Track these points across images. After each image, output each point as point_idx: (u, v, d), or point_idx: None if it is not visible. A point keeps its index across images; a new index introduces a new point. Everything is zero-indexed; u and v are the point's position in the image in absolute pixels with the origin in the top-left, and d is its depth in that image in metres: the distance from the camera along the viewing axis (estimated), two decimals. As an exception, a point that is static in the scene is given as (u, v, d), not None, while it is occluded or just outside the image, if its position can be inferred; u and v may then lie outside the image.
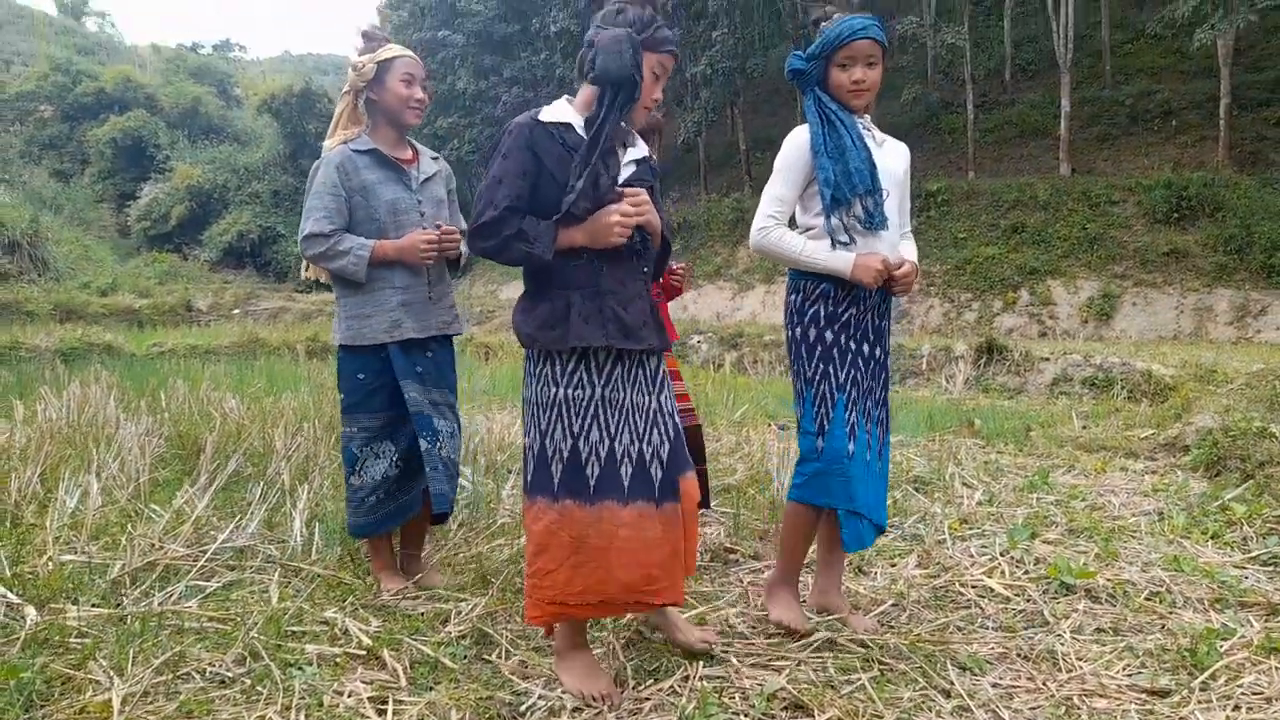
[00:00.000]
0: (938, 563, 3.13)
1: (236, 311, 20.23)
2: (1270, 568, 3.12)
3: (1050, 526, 3.66)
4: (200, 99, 46.29)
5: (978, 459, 5.21)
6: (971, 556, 3.19)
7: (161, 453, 4.26)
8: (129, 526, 3.14)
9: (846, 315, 2.50)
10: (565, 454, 2.05)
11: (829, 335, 2.47)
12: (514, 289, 32.20)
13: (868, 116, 2.63)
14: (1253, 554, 3.24)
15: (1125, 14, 25.68)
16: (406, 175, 2.80)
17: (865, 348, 2.54)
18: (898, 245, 2.55)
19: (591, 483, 2.04)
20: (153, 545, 2.90)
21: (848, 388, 2.47)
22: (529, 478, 2.10)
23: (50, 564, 2.75)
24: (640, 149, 2.22)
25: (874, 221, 2.44)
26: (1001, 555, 3.17)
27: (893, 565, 3.14)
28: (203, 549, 2.96)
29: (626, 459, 2.07)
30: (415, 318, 2.75)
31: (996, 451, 5.60)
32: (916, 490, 4.38)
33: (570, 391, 2.07)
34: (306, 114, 40.09)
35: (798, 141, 2.51)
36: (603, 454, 2.06)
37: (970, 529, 3.57)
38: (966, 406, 7.96)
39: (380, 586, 2.78)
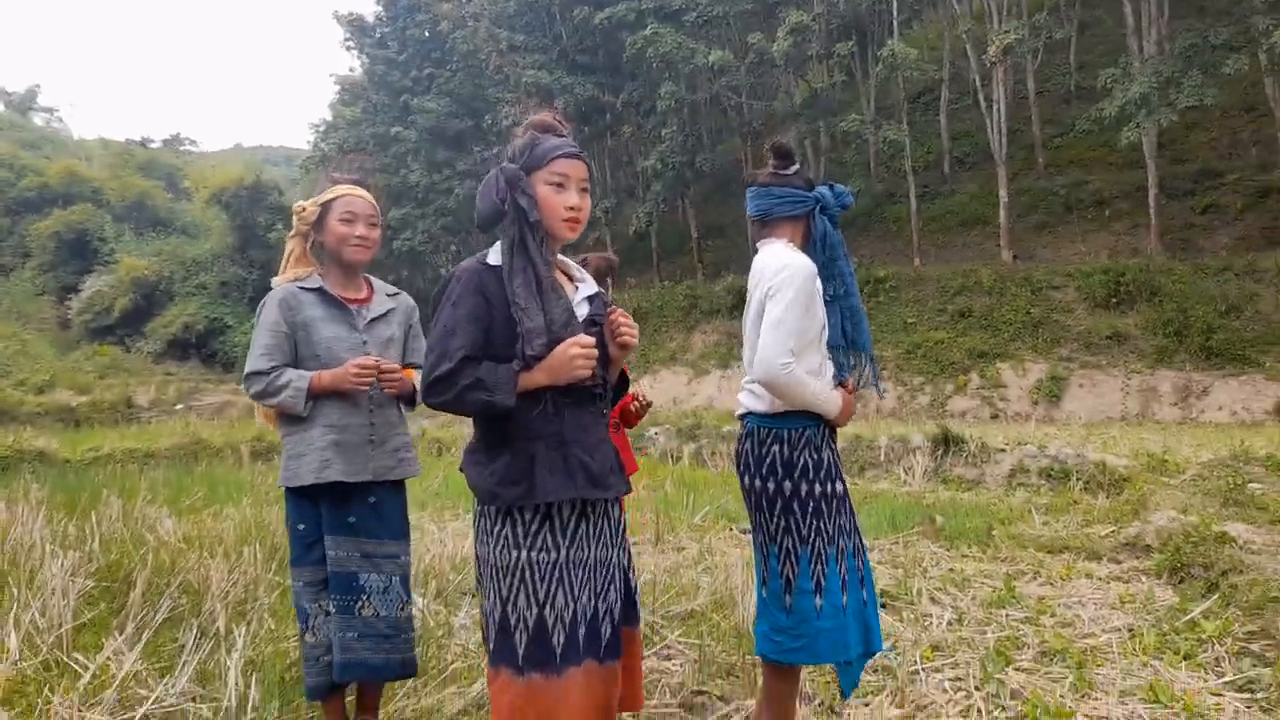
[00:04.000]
0: (913, 701, 3.00)
1: (179, 407, 19.70)
2: (1246, 694, 3.05)
3: (1022, 649, 3.57)
4: (148, 192, 46.13)
5: (943, 567, 5.13)
6: (946, 692, 3.07)
7: (90, 589, 3.98)
8: (46, 690, 2.88)
9: (827, 459, 2.43)
10: (530, 624, 1.93)
11: (819, 487, 2.39)
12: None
13: None
14: (1227, 678, 3.18)
15: (1055, 110, 26.97)
16: (351, 314, 2.71)
17: (840, 486, 2.48)
18: None
19: (557, 652, 1.93)
20: (73, 714, 2.65)
21: (837, 538, 2.39)
22: (491, 645, 1.96)
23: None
24: (591, 285, 2.16)
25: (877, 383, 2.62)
26: (976, 690, 3.06)
27: (866, 705, 3.00)
28: (127, 717, 2.71)
29: (583, 618, 1.97)
30: (347, 460, 2.60)
31: (961, 555, 5.53)
32: (884, 607, 4.27)
33: (534, 554, 1.94)
34: (256, 205, 40.06)
35: (810, 273, 2.43)
36: (566, 619, 1.94)
37: (942, 656, 3.45)
38: (927, 500, 7.92)
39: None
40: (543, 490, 1.93)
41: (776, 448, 2.40)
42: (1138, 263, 19.60)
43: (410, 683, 3.18)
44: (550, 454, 1.96)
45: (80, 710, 2.69)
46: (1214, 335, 17.28)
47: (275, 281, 2.69)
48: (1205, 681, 3.19)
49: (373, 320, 2.75)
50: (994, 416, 18.48)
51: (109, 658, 3.05)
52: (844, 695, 2.50)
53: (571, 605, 1.94)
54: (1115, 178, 23.62)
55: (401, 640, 2.67)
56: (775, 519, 2.41)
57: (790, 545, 2.37)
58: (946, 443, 9.44)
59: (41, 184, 44.44)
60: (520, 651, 1.92)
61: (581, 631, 1.95)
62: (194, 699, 2.90)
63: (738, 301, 24.58)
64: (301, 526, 2.63)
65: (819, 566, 2.36)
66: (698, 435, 12.04)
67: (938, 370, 20.11)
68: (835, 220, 2.54)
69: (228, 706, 2.82)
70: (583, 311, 2.07)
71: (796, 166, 2.58)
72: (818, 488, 2.39)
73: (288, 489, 2.64)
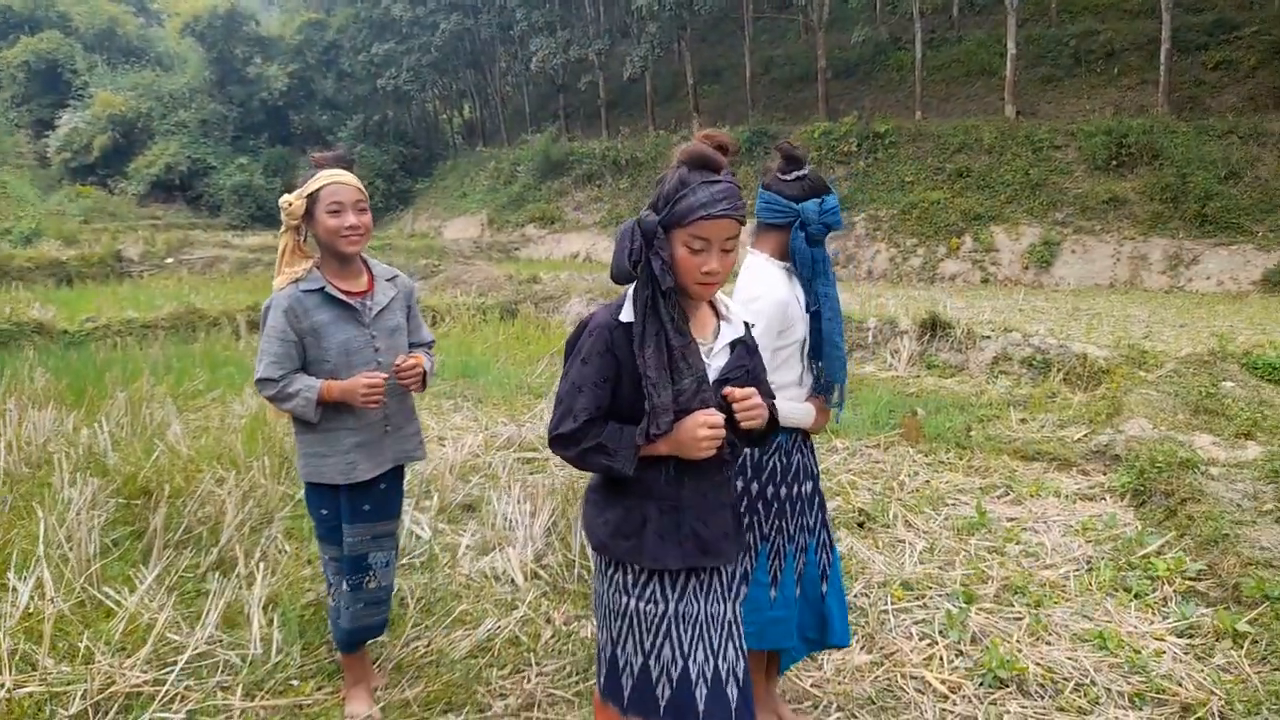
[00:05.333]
0: (880, 648, 3.28)
1: (169, 260, 19.57)
2: (1186, 640, 3.35)
3: (987, 583, 3.85)
4: (117, 18, 43.84)
5: (919, 479, 5.39)
6: (911, 639, 3.36)
7: (110, 517, 4.20)
8: (88, 633, 3.13)
9: (796, 463, 2.57)
10: (636, 670, 1.96)
11: (784, 489, 2.54)
12: (459, 226, 31.71)
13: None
14: (1171, 623, 3.47)
15: (1073, -51, 25.52)
16: (358, 312, 2.73)
17: (810, 485, 2.63)
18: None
19: (662, 703, 1.94)
20: (115, 670, 2.90)
21: (798, 536, 2.57)
22: (602, 678, 2.04)
23: (8, 697, 2.75)
24: (736, 327, 1.98)
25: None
26: (941, 636, 3.34)
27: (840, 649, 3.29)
28: (163, 668, 2.97)
29: (701, 680, 1.94)
30: (370, 457, 2.74)
31: (939, 463, 5.79)
32: (861, 526, 4.55)
33: (642, 605, 1.94)
34: (232, 36, 38.32)
35: (779, 301, 2.46)
36: (675, 675, 1.93)
37: (911, 596, 3.74)
38: (911, 389, 8.17)
39: (346, 709, 2.83)
40: (650, 555, 1.91)
41: (746, 451, 2.51)
42: (1141, 123, 19.18)
43: (419, 623, 3.45)
44: (663, 519, 1.92)
45: (119, 664, 2.93)
46: (1210, 202, 17.19)
47: (275, 284, 2.69)
48: (1151, 624, 3.48)
49: (379, 313, 2.77)
50: (984, 281, 18.60)
51: (138, 605, 3.28)
52: (780, 671, 2.78)
53: (680, 662, 1.93)
54: (1128, 27, 22.71)
55: (390, 599, 2.96)
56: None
57: (751, 540, 2.54)
58: (933, 327, 9.59)
59: (4, 6, 42.08)
60: (626, 694, 1.96)
61: (701, 693, 1.93)
62: (220, 644, 3.16)
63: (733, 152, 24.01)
64: (324, 512, 2.78)
65: (776, 562, 2.55)
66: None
67: (931, 232, 20.03)
68: (815, 239, 2.49)
69: (253, 656, 3.08)
70: (719, 364, 1.93)
71: (802, 173, 2.51)
72: (784, 490, 2.54)
73: (308, 481, 2.78)
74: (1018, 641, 3.33)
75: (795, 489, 2.57)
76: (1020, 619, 3.52)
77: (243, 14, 39.82)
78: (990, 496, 5.11)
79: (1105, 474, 5.44)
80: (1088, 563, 4.08)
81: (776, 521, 2.54)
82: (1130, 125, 19.19)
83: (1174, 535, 4.22)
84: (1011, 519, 4.72)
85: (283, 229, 2.71)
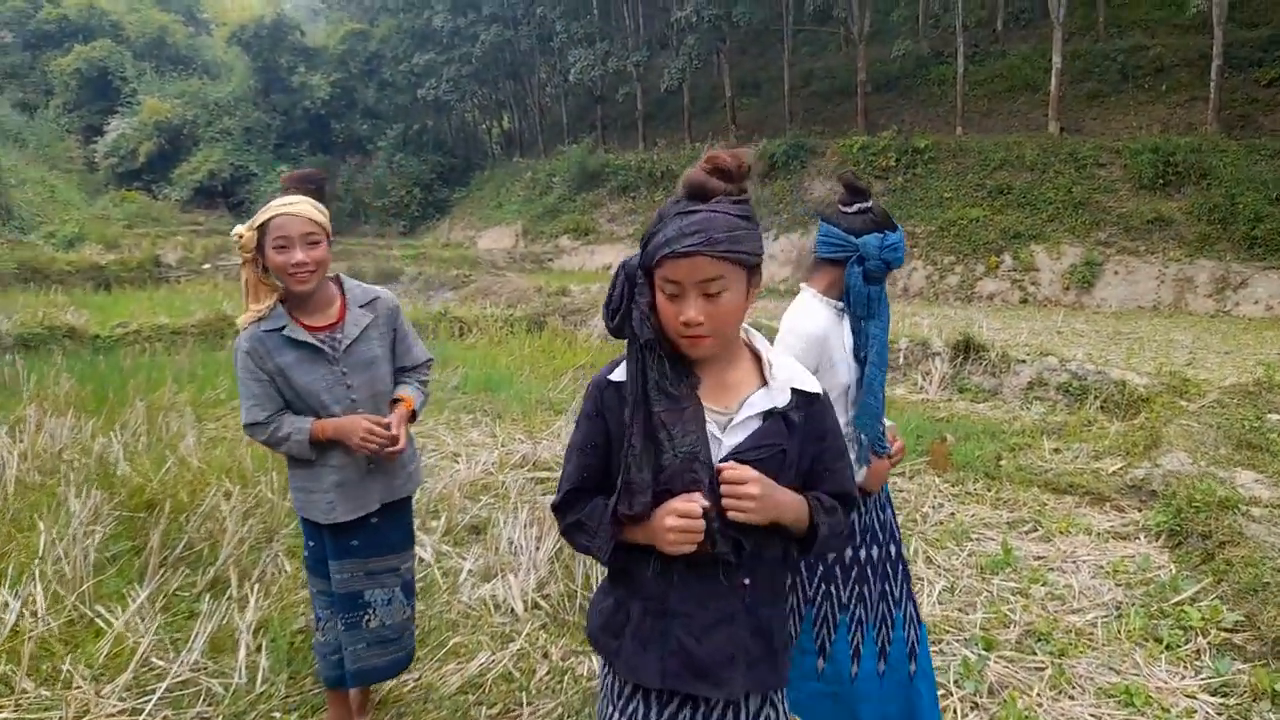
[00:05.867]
0: (891, 698, 3.11)
1: (206, 266, 19.86)
2: (1220, 698, 3.13)
3: (1009, 628, 3.66)
4: (167, 27, 44.81)
5: (944, 511, 5.19)
6: (925, 688, 3.18)
7: (111, 531, 4.15)
8: (69, 659, 3.06)
9: (870, 522, 2.38)
10: None
11: (862, 552, 2.36)
12: (494, 236, 31.85)
13: None
14: (1204, 677, 3.25)
15: (1122, -38, 25.04)
16: (324, 350, 2.53)
17: (874, 551, 2.41)
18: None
19: None
20: (90, 697, 2.83)
21: (851, 606, 2.35)
22: None
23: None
24: (780, 393, 1.59)
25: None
26: (956, 687, 3.16)
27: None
28: (142, 696, 2.89)
29: None
30: (351, 498, 2.58)
31: (965, 494, 5.58)
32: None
33: (622, 719, 1.66)
34: (278, 46, 39.01)
35: (816, 339, 2.27)
36: None
37: (930, 640, 3.55)
38: (941, 414, 7.94)
39: (325, 747, 2.73)
40: (626, 663, 1.61)
41: None
42: (1189, 141, 18.67)
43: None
44: (646, 621, 1.60)
45: (97, 690, 2.86)
46: (1260, 224, 16.65)
47: (240, 322, 2.53)
48: (1182, 680, 3.26)
49: (350, 345, 2.57)
50: (1023, 301, 18.20)
51: (125, 626, 3.21)
52: None
53: None
54: (1179, 42, 22.17)
55: (406, 638, 2.78)
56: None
57: (794, 602, 2.34)
58: (967, 349, 9.34)
59: (60, 15, 43.17)
60: None
61: None
62: (204, 671, 3.07)
63: (769, 167, 23.89)
64: (312, 544, 2.69)
65: (824, 629, 2.33)
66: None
67: (969, 250, 19.67)
68: (874, 276, 2.29)
69: (237, 685, 2.99)
70: (735, 439, 1.56)
71: (864, 205, 2.32)
72: (862, 552, 2.35)
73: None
74: (1038, 695, 3.14)
75: (870, 551, 2.36)
76: (1043, 669, 3.32)
77: (289, 24, 40.49)
78: (1018, 532, 4.90)
79: (1140, 511, 5.20)
80: (1117, 608, 3.86)
81: (823, 586, 2.33)
82: (1178, 143, 18.69)
83: (1210, 581, 3.99)
84: (1039, 558, 4.51)
85: (240, 262, 2.50)
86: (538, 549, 4.12)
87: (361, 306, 2.63)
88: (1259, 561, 4.00)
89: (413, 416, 2.69)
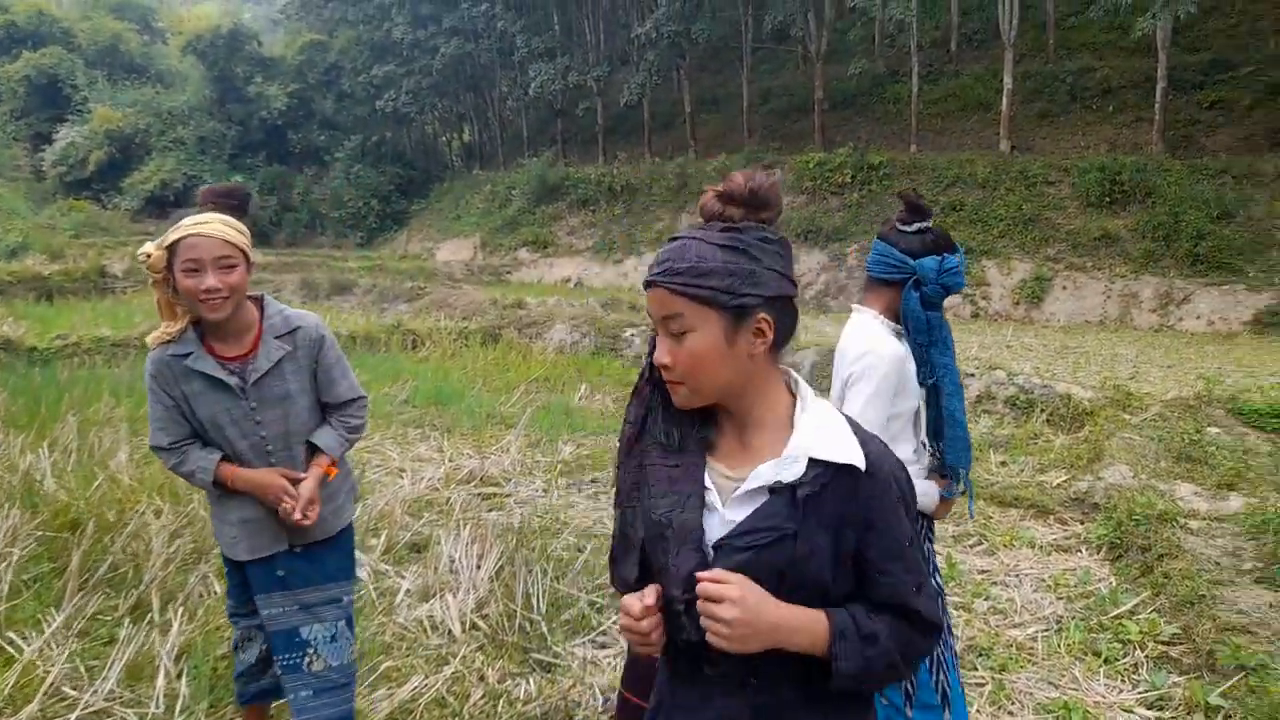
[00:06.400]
0: None
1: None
2: (1155, 712, 3.14)
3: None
4: (121, 36, 44.08)
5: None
6: (864, 706, 3.15)
7: (30, 553, 3.98)
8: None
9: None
10: None
11: None
12: (452, 248, 31.60)
13: None
14: (1140, 692, 3.26)
15: (1071, -14, 25.65)
16: (231, 384, 2.31)
17: (938, 581, 2.35)
18: None
19: None
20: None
21: (950, 640, 2.26)
22: None
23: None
24: (789, 465, 1.26)
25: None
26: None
27: None
28: (50, 726, 2.76)
29: None
30: (255, 535, 2.37)
31: (911, 508, 5.59)
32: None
33: None
34: (234, 55, 38.50)
35: (895, 359, 2.16)
36: None
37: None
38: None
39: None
40: None
41: None
42: (1135, 161, 19.13)
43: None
44: (660, 711, 1.42)
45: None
46: (1202, 241, 17.08)
47: (149, 340, 2.35)
48: (1119, 694, 3.27)
49: (260, 378, 2.34)
50: (975, 315, 18.47)
51: (37, 653, 3.07)
52: None
53: None
54: (1125, 64, 22.73)
55: (352, 684, 2.57)
56: None
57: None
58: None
59: (8, 22, 42.22)
60: None
61: None
62: (119, 700, 2.94)
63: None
64: (229, 570, 2.51)
65: (940, 674, 2.26)
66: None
67: (924, 264, 19.91)
68: (932, 300, 2.21)
69: (155, 714, 2.86)
70: (736, 515, 1.28)
71: (923, 225, 2.23)
72: None
73: None
74: (978, 711, 3.13)
75: (939, 582, 2.30)
76: (983, 685, 3.32)
77: (246, 33, 39.98)
78: (963, 546, 4.92)
79: (1083, 523, 5.25)
80: (1058, 622, 3.88)
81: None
82: (1124, 163, 19.14)
83: (1149, 594, 4.03)
84: (983, 571, 4.52)
85: (149, 281, 2.29)
86: (479, 567, 4.03)
87: (279, 337, 2.38)
88: (1195, 574, 4.05)
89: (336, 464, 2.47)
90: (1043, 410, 8.14)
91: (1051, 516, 5.44)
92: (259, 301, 2.42)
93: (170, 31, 47.18)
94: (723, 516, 1.28)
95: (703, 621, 1.21)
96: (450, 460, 6.39)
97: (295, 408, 2.40)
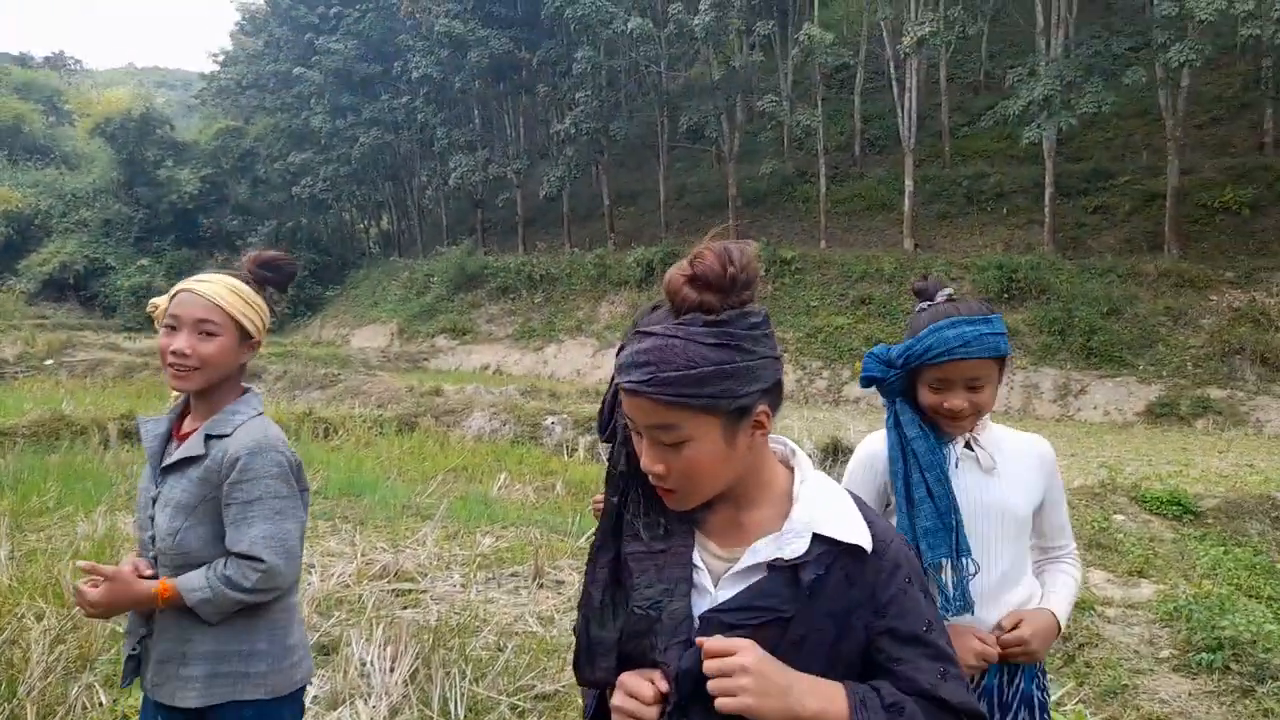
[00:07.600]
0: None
1: (49, 362, 18.48)
2: (1089, 806, 3.12)
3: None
4: (24, 116, 43.00)
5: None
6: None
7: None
8: None
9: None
10: None
11: None
12: (368, 334, 31.11)
13: (982, 428, 1.97)
14: (1073, 784, 3.25)
15: (964, 98, 27.50)
16: (155, 463, 2.04)
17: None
18: (1006, 598, 1.87)
19: None
20: None
21: None
22: None
23: None
24: (797, 540, 1.17)
25: (949, 603, 1.78)
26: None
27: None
28: None
29: None
30: (147, 666, 2.01)
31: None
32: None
33: None
34: (145, 139, 37.82)
35: (869, 455, 2.00)
36: None
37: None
38: (811, 517, 8.03)
39: None
40: None
41: None
42: (1029, 260, 20.28)
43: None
44: None
45: None
46: (1095, 336, 18.07)
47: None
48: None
49: (171, 466, 1.99)
50: (887, 405, 18.97)
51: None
52: None
53: None
54: (1015, 171, 24.32)
55: None
56: None
57: None
58: (835, 451, 9.58)
59: (-99, 100, 40.86)
60: None
61: None
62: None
63: (646, 274, 24.47)
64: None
65: None
66: (593, 428, 11.91)
67: (835, 355, 20.50)
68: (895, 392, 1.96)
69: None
70: (727, 593, 1.19)
71: (924, 306, 1.99)
72: None
73: None
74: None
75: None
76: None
77: (158, 118, 39.45)
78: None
79: (1003, 612, 5.30)
80: None
81: None
82: (1019, 261, 20.26)
83: (1074, 684, 4.05)
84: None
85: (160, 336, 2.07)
86: (392, 670, 3.80)
87: (210, 436, 1.99)
88: (1116, 663, 4.10)
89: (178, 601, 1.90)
90: (957, 498, 8.32)
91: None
92: (242, 393, 2.09)
93: (78, 114, 46.23)
94: (714, 599, 1.19)
95: (715, 684, 1.10)
96: (363, 555, 6.11)
97: (179, 524, 1.96)
